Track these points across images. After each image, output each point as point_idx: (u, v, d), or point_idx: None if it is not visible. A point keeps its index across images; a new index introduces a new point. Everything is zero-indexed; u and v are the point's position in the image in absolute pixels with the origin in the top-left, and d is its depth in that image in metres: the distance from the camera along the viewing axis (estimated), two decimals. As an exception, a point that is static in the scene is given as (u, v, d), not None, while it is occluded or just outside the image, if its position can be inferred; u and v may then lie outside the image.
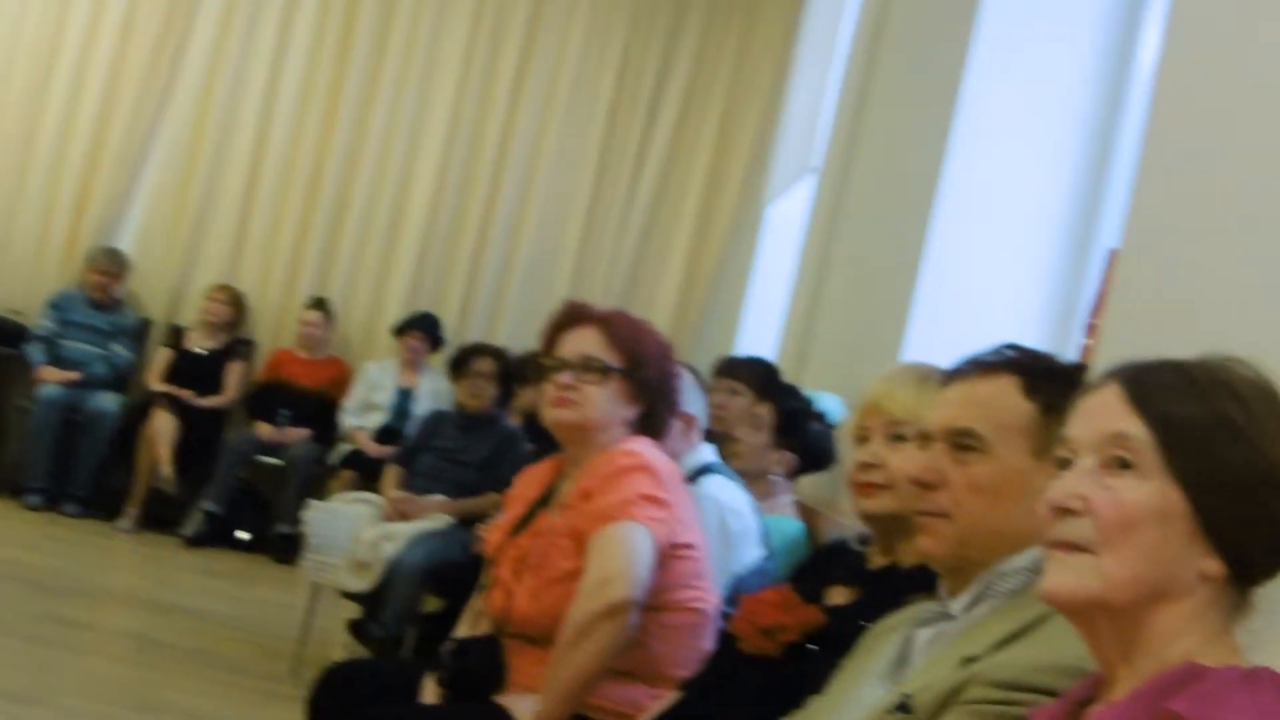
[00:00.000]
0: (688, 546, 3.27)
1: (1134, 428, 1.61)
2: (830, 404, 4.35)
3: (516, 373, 6.95)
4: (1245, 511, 1.59)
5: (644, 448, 3.31)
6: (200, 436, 8.42)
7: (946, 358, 2.26)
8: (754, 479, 4.04)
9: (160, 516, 8.36)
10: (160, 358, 8.77)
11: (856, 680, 2.20)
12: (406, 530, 5.92)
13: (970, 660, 1.91)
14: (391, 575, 5.71)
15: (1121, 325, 2.61)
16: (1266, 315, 2.13)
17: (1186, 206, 2.46)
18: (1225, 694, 1.51)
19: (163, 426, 8.31)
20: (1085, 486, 1.61)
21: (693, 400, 3.94)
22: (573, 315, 3.43)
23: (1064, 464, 1.66)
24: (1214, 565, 1.60)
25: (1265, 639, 1.70)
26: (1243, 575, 1.62)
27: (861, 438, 2.77)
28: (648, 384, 3.37)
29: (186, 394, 8.52)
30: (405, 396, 8.50)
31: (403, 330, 8.62)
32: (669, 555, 3.20)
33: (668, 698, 2.95)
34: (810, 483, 4.42)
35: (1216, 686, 1.52)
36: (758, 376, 4.42)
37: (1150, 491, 1.59)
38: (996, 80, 4.17)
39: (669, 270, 8.98)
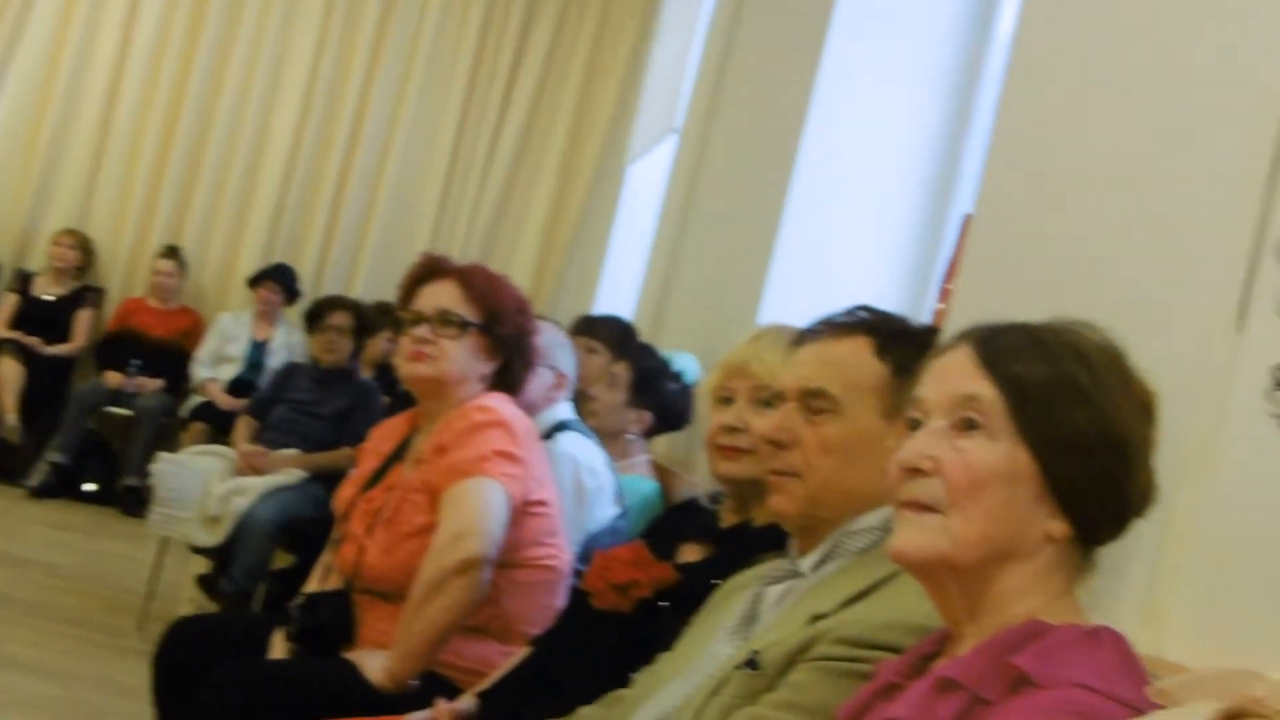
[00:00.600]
0: (541, 503, 3.27)
1: (983, 389, 1.63)
2: (687, 364, 4.36)
3: (368, 323, 6.90)
4: (1090, 473, 1.62)
5: (500, 403, 3.30)
6: (47, 385, 8.25)
7: (803, 319, 2.28)
8: (610, 437, 4.05)
9: (4, 467, 8.19)
10: (6, 304, 8.56)
11: (706, 636, 2.21)
12: (258, 484, 5.84)
13: (818, 617, 1.93)
14: (242, 530, 5.64)
15: (974, 289, 2.64)
16: (1115, 280, 2.17)
17: (1039, 173, 2.50)
18: (1066, 651, 1.54)
19: (8, 374, 8.13)
20: (935, 447, 1.63)
21: (565, 358, 3.94)
22: (430, 269, 3.40)
23: (914, 425, 1.68)
24: (1059, 526, 1.63)
25: (1106, 599, 1.73)
26: (1086, 536, 1.65)
27: (724, 399, 2.77)
28: (505, 339, 3.36)
29: (33, 341, 8.34)
30: (259, 349, 8.39)
31: (258, 281, 8.50)
32: (523, 512, 3.19)
33: (519, 654, 2.94)
34: (665, 442, 4.44)
35: (1058, 643, 1.55)
36: (615, 335, 4.43)
37: (998, 453, 1.61)
38: (857, 45, 4.19)
39: (529, 227, 8.95)
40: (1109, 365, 1.65)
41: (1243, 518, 1.81)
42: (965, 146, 4.10)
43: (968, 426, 1.63)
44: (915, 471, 1.63)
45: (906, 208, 4.13)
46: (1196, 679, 1.34)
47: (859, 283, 3.98)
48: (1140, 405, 1.66)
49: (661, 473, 4.25)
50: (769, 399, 2.59)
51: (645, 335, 4.71)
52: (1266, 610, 1.73)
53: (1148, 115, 2.22)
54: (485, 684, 2.91)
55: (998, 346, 1.65)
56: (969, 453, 1.61)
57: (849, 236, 4.16)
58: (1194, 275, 1.99)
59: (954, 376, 1.66)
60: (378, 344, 7.27)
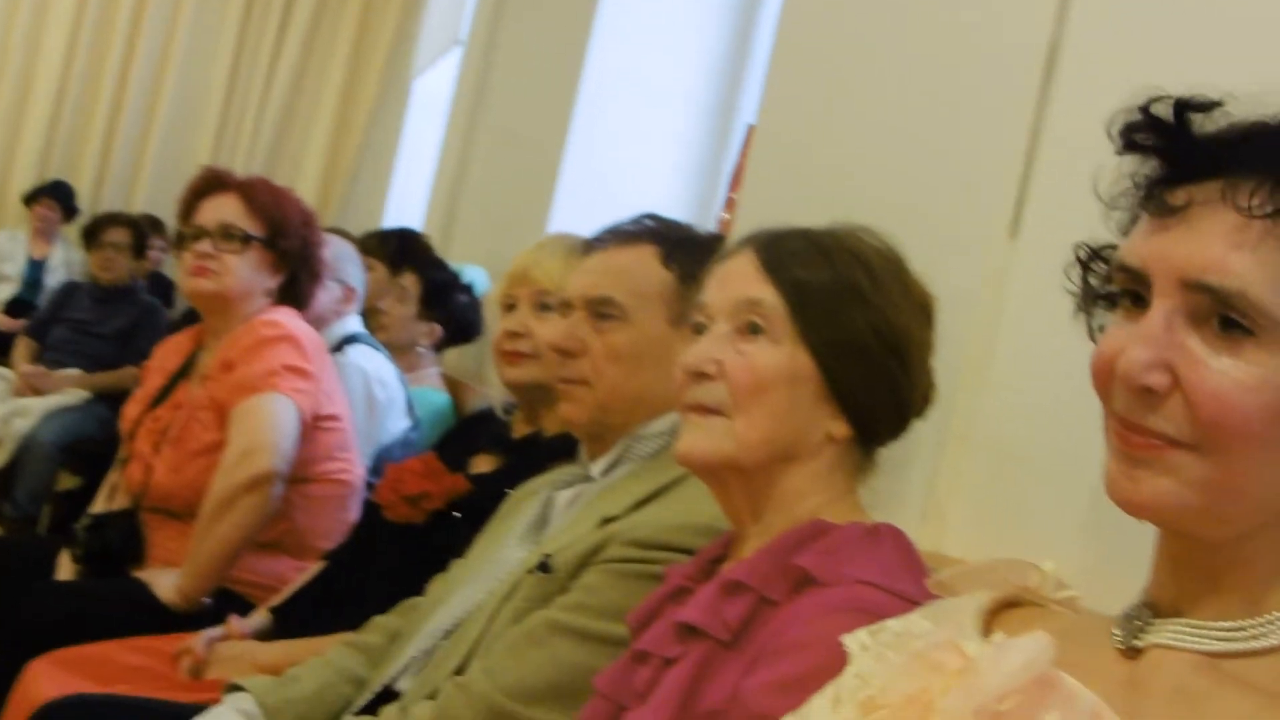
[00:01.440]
0: (332, 418, 3.24)
1: (766, 294, 1.65)
2: (477, 276, 4.34)
3: (143, 236, 6.75)
4: (870, 374, 1.66)
5: (287, 318, 3.25)
6: None
7: (592, 229, 2.28)
8: (400, 351, 4.03)
9: None
10: None
11: (498, 543, 2.23)
12: (39, 405, 5.70)
13: (609, 520, 1.95)
14: (23, 452, 5.50)
15: (758, 198, 2.67)
16: (895, 189, 2.21)
17: (821, 83, 2.53)
18: (848, 549, 1.58)
19: None
20: (719, 351, 1.65)
21: (353, 271, 3.89)
22: (211, 182, 3.33)
23: (699, 329, 1.70)
24: (840, 427, 1.66)
25: (888, 497, 1.78)
26: (867, 436, 1.70)
27: (509, 306, 2.78)
28: (290, 253, 3.31)
29: None
30: (37, 267, 8.11)
31: (33, 198, 8.20)
32: (313, 427, 3.17)
33: (312, 569, 2.93)
34: (457, 354, 4.42)
35: (840, 542, 1.59)
36: (391, 250, 4.38)
37: (781, 356, 1.64)
38: (643, -45, 4.19)
39: (314, 140, 8.77)
40: (888, 270, 1.69)
41: (1017, 418, 1.87)
42: (749, 57, 4.12)
43: (751, 330, 1.65)
44: (700, 376, 1.66)
45: (692, 118, 4.15)
46: (973, 570, 1.38)
47: (646, 193, 3.99)
48: (919, 309, 1.71)
49: (453, 385, 4.24)
50: (553, 304, 2.60)
51: (436, 248, 4.67)
52: (1039, 505, 1.79)
53: (927, 28, 2.26)
54: (278, 599, 2.90)
55: (779, 252, 1.68)
56: (752, 356, 1.64)
57: (636, 147, 4.17)
58: (970, 184, 2.04)
59: (737, 281, 1.68)
60: (153, 256, 7.11)
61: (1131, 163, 1.20)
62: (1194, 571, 1.16)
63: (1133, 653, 1.17)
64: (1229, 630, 1.13)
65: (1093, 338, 1.28)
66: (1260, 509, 1.12)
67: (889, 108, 2.29)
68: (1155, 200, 1.14)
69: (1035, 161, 1.94)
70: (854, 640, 1.33)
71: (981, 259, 1.96)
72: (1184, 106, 1.16)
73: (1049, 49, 1.95)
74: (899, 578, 1.54)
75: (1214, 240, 1.09)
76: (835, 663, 1.32)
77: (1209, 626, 1.14)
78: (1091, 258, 1.28)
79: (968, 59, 2.14)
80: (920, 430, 1.78)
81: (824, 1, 2.62)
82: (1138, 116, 1.18)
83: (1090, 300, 1.29)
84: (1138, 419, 1.11)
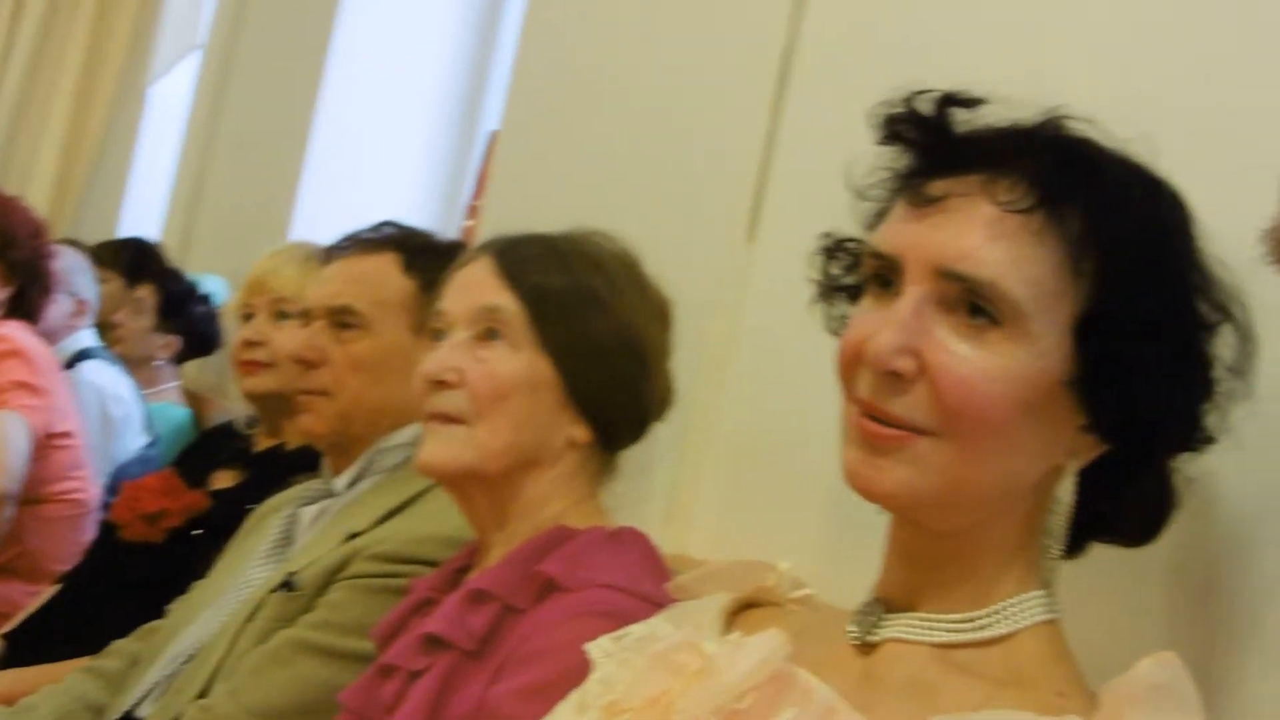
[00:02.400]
0: (65, 435, 3.15)
1: (504, 300, 1.65)
2: (215, 286, 4.25)
3: None
4: (609, 379, 1.67)
5: (16, 332, 3.15)
6: None
7: (334, 238, 2.25)
8: (137, 365, 3.92)
9: None
10: None
11: (241, 561, 2.18)
12: None
13: (354, 535, 1.92)
14: None
15: (501, 205, 2.67)
16: (636, 194, 2.22)
17: (563, 90, 2.53)
18: (591, 553, 1.59)
19: None
20: (459, 359, 1.64)
21: (85, 283, 3.78)
22: (-66, 193, 3.20)
23: (439, 337, 1.69)
24: (581, 432, 1.67)
25: (632, 501, 1.79)
26: (608, 440, 1.70)
27: (246, 316, 2.73)
28: (18, 264, 3.20)
29: None
30: None
31: None
32: (45, 445, 3.07)
33: (46, 593, 2.84)
34: (197, 367, 4.32)
35: (583, 547, 1.59)
36: (126, 261, 4.25)
37: (521, 362, 1.64)
38: (383, -40, 4.15)
39: (45, 150, 8.47)
40: (625, 274, 1.70)
41: (756, 419, 1.89)
42: (491, 63, 4.11)
43: (490, 337, 1.65)
44: (440, 384, 1.64)
45: (434, 125, 4.13)
46: (712, 572, 1.40)
47: (389, 200, 3.95)
48: (656, 312, 1.72)
49: (193, 399, 4.14)
50: (291, 313, 2.56)
51: (174, 258, 4.55)
52: (777, 505, 1.82)
53: (666, 36, 2.28)
54: (10, 625, 2.80)
55: (517, 257, 1.68)
56: (491, 363, 1.63)
57: (378, 154, 4.13)
58: (709, 189, 2.06)
59: (475, 288, 1.67)
60: None
61: (883, 155, 1.23)
62: (924, 564, 1.19)
63: (867, 647, 1.20)
64: (958, 622, 1.16)
65: (831, 328, 1.30)
66: (991, 500, 1.15)
67: (629, 114, 2.31)
68: (913, 191, 1.17)
69: (771, 166, 1.97)
70: (597, 647, 1.33)
71: (720, 263, 1.98)
72: (948, 101, 1.19)
73: (783, 55, 1.98)
74: (642, 581, 1.55)
75: (970, 231, 1.12)
76: (580, 668, 1.32)
77: (939, 619, 1.17)
78: (835, 248, 1.31)
79: (704, 65, 2.16)
80: (662, 433, 1.79)
81: (565, 8, 2.62)
82: (900, 109, 1.20)
83: (831, 291, 1.31)
84: (882, 404, 1.13)
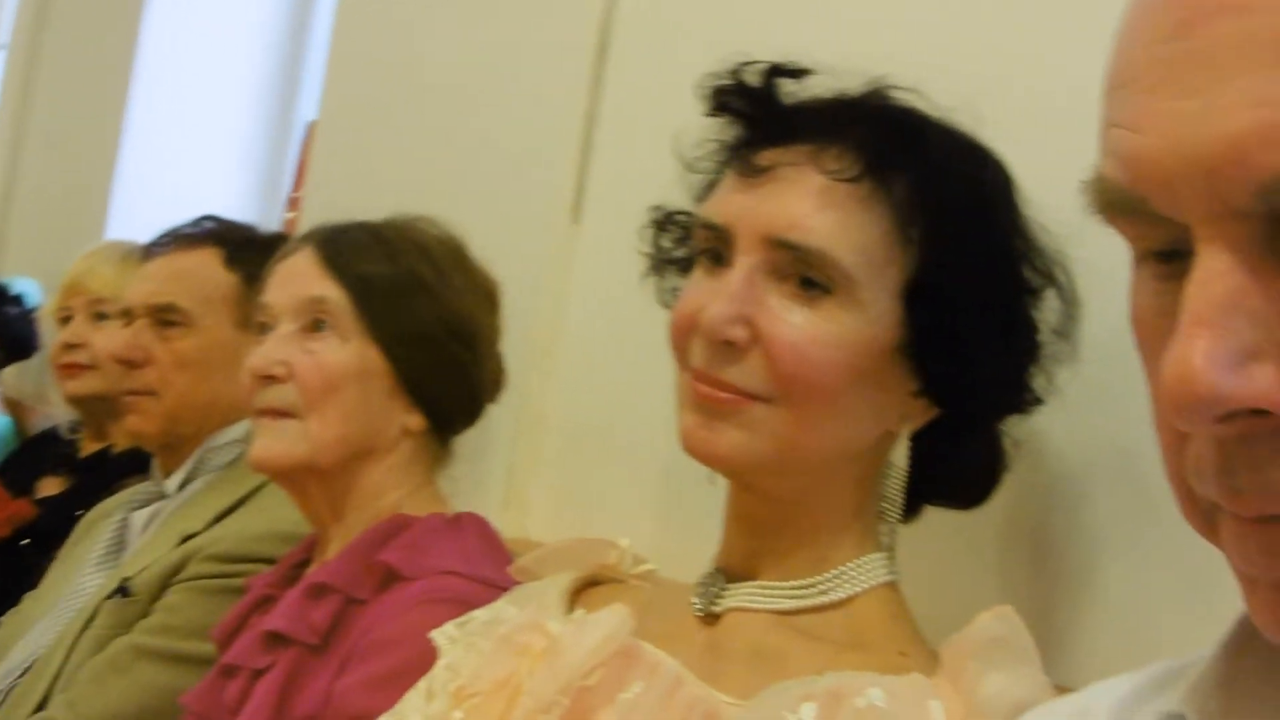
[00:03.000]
0: (-122, 450, 3.05)
1: (329, 290, 1.63)
2: (27, 288, 4.14)
3: None
4: (440, 365, 1.66)
5: None
6: None
7: (153, 235, 2.21)
8: (-49, 375, 3.81)
9: None
10: None
11: (73, 570, 2.14)
12: None
13: (189, 537, 1.90)
14: None
15: (322, 195, 2.63)
16: (459, 178, 2.21)
17: (380, 76, 2.51)
18: (431, 541, 1.58)
19: None
20: (286, 352, 1.62)
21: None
22: None
23: (264, 331, 1.67)
24: (415, 419, 1.66)
25: (470, 486, 1.79)
26: (442, 426, 1.70)
27: (64, 318, 2.68)
28: None
29: None
30: None
31: None
32: None
33: None
34: (15, 373, 4.21)
35: (422, 534, 1.59)
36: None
37: (350, 352, 1.62)
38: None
39: None
40: (450, 258, 1.70)
41: (588, 398, 1.90)
42: (306, 53, 4.06)
43: (317, 328, 1.63)
44: (268, 378, 1.62)
45: (250, 117, 4.06)
46: (553, 552, 1.40)
47: (207, 195, 3.88)
48: (484, 295, 1.72)
49: (13, 406, 4.03)
50: (111, 313, 2.52)
51: (-17, 263, 4.44)
52: (613, 484, 1.83)
53: (481, 18, 2.27)
54: None
55: (340, 246, 1.66)
56: (320, 354, 1.62)
57: (194, 149, 4.05)
58: (531, 171, 2.05)
59: (299, 279, 1.66)
60: None
61: (709, 128, 1.24)
62: (763, 532, 1.20)
63: (711, 618, 1.21)
64: (798, 588, 1.18)
65: (662, 301, 1.31)
66: (826, 463, 1.17)
67: (447, 99, 2.29)
68: (742, 161, 1.18)
69: (592, 146, 1.97)
70: (441, 634, 1.33)
71: (545, 244, 1.98)
72: (775, 72, 1.20)
73: (600, 31, 1.99)
74: (483, 565, 1.55)
75: (799, 201, 1.13)
76: (426, 656, 1.32)
77: (779, 586, 1.19)
78: (665, 221, 1.32)
79: (521, 45, 2.15)
80: (496, 416, 1.79)
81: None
82: (728, 80, 1.21)
83: (663, 264, 1.32)
84: (716, 372, 1.14)
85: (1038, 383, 1.22)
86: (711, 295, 1.15)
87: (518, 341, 1.82)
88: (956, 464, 1.24)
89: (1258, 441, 0.54)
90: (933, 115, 1.20)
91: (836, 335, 1.12)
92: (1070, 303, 1.22)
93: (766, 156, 1.17)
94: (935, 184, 1.15)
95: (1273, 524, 0.55)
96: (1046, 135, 1.35)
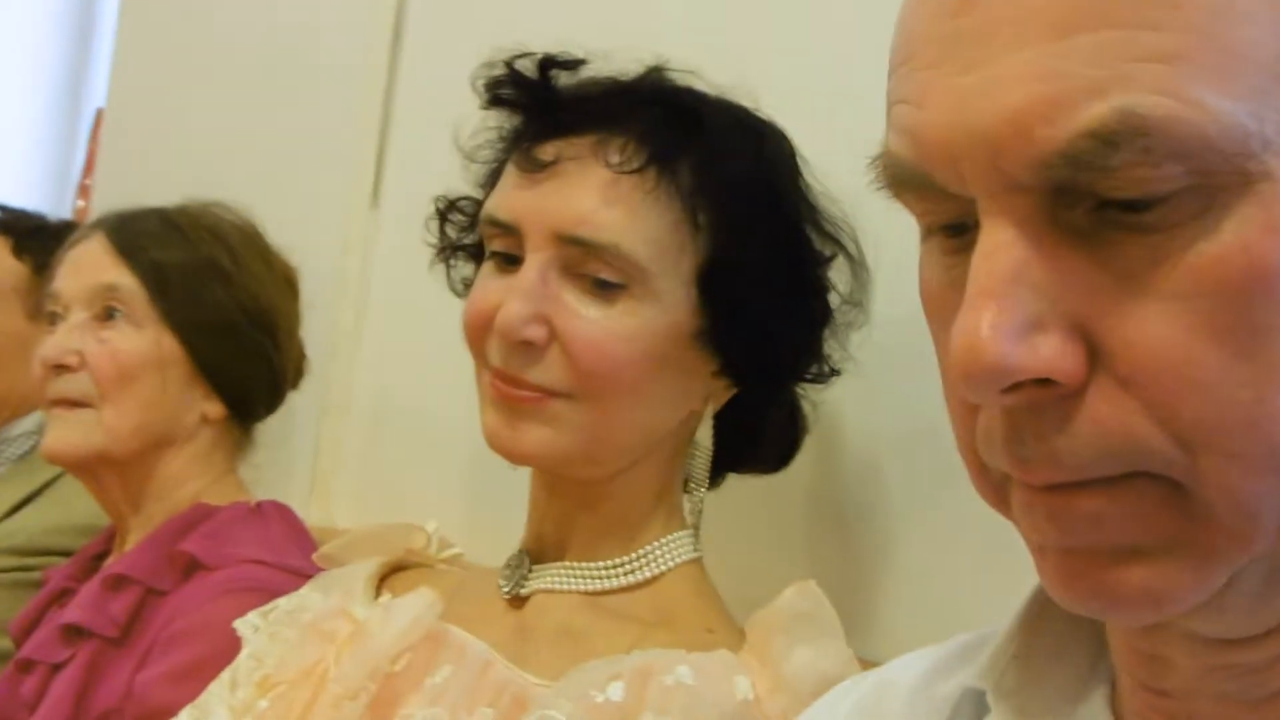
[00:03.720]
0: None
1: (122, 278, 1.60)
2: None
3: None
4: (239, 351, 1.64)
5: None
6: None
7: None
8: None
9: None
10: None
11: None
12: None
13: (-20, 532, 1.86)
14: None
15: (113, 183, 2.57)
16: (255, 164, 2.18)
17: (170, 62, 2.46)
18: (233, 529, 1.57)
19: None
20: (78, 341, 1.59)
21: None
22: None
23: (55, 320, 1.63)
24: (215, 407, 1.64)
25: (275, 474, 1.77)
26: (243, 414, 1.68)
27: None
28: None
29: None
30: None
31: None
32: None
33: None
34: None
35: (224, 523, 1.57)
36: None
37: (145, 340, 1.59)
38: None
39: None
40: (247, 244, 1.68)
41: (391, 383, 1.89)
42: (94, 38, 3.97)
43: (110, 316, 1.60)
44: (60, 368, 1.59)
45: (38, 104, 3.96)
46: (358, 538, 1.39)
47: (-5, 185, 3.78)
48: (282, 280, 1.70)
49: None
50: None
51: None
52: (419, 469, 1.82)
53: (263, 3, 2.24)
54: None
55: (133, 233, 1.63)
56: (114, 343, 1.59)
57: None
58: (329, 155, 2.03)
59: (89, 267, 1.62)
60: None
61: (495, 117, 1.24)
62: (569, 515, 1.21)
63: (519, 600, 1.22)
64: (605, 569, 1.19)
65: (454, 290, 1.31)
66: (632, 450, 1.18)
67: (240, 83, 2.26)
68: (524, 155, 1.18)
69: (390, 130, 1.96)
70: (245, 623, 1.32)
71: (345, 229, 1.96)
72: (549, 63, 1.20)
73: (395, 13, 1.97)
74: (287, 553, 1.54)
75: (586, 195, 1.13)
76: (230, 646, 1.31)
77: (586, 567, 1.20)
78: (450, 209, 1.31)
79: (315, 27, 2.12)
80: (299, 403, 1.78)
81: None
82: (502, 72, 1.21)
83: (451, 252, 1.32)
84: (516, 372, 1.14)
85: (833, 351, 1.24)
86: (505, 293, 1.14)
87: (320, 327, 1.81)
88: (759, 434, 1.26)
89: (1044, 411, 0.55)
90: (710, 96, 1.21)
91: (634, 328, 1.13)
92: (860, 269, 1.24)
93: (548, 150, 1.16)
94: (717, 167, 1.16)
95: (1059, 492, 0.56)
96: (827, 104, 1.37)
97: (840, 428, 1.38)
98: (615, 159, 1.14)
